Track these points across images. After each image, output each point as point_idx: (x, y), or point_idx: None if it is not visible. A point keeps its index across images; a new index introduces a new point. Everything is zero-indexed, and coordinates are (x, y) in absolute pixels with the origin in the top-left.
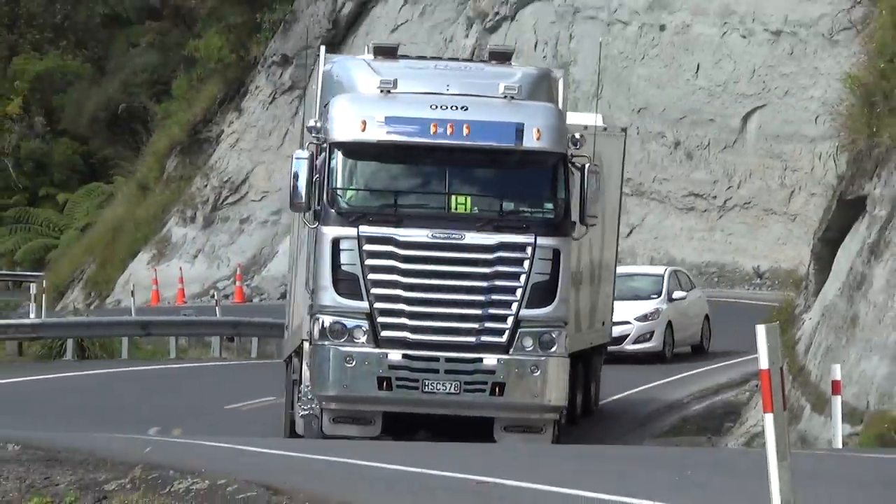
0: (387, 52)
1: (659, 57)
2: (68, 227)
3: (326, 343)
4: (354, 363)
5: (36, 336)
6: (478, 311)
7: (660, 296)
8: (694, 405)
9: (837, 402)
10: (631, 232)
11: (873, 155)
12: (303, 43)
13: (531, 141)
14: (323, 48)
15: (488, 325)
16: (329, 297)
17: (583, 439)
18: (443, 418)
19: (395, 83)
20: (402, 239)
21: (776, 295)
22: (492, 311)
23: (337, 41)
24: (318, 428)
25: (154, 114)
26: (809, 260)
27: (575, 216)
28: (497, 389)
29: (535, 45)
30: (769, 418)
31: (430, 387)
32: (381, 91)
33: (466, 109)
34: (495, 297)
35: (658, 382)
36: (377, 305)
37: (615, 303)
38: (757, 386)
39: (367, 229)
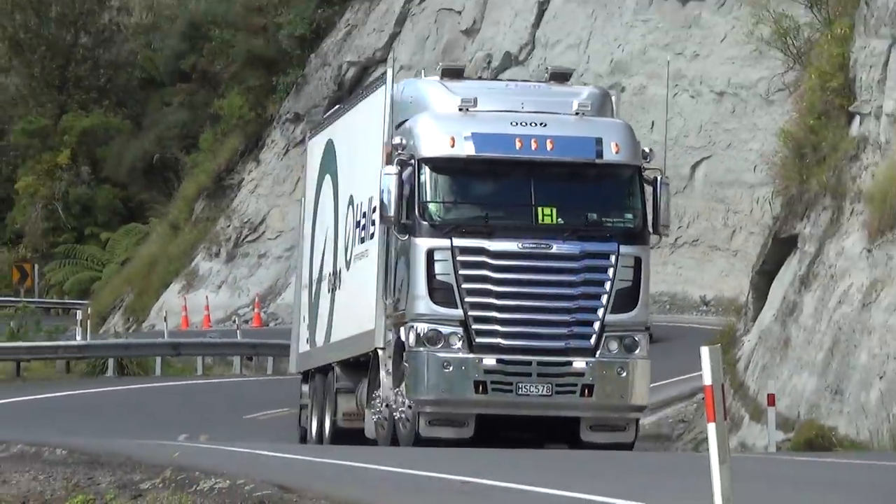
0: (454, 73)
1: (618, 114)
2: (110, 261)
3: (422, 350)
4: (452, 368)
5: (81, 356)
6: (566, 317)
7: None
8: (649, 415)
9: (772, 412)
10: None
11: (803, 199)
12: (313, 102)
13: (610, 154)
14: (390, 70)
15: (576, 329)
16: (424, 305)
17: None
18: (531, 419)
19: (475, 101)
20: (493, 249)
21: (720, 320)
22: (579, 316)
23: (342, 99)
24: (411, 431)
25: (184, 163)
26: (748, 290)
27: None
28: (586, 391)
29: None
30: (712, 427)
31: (523, 389)
32: (462, 109)
33: (545, 126)
34: (582, 303)
35: None
36: (471, 313)
37: None
38: (702, 399)
39: (460, 241)
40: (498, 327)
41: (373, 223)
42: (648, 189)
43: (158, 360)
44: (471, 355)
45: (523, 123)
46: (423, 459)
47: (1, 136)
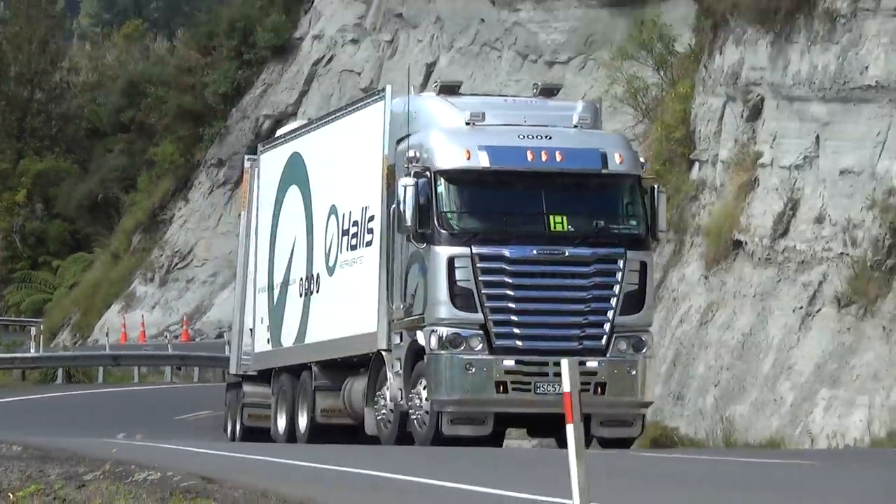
0: (451, 89)
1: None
2: (60, 285)
3: (444, 352)
4: (474, 370)
5: (35, 366)
6: (579, 319)
7: None
8: None
9: None
10: None
11: None
12: (233, 150)
13: (615, 164)
14: (389, 87)
15: (589, 331)
16: (446, 310)
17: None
18: (545, 416)
19: (483, 116)
20: (511, 255)
21: None
22: (591, 318)
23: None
24: (430, 429)
25: (124, 202)
26: None
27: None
28: (599, 389)
29: None
30: (570, 427)
31: (541, 389)
32: (470, 123)
33: (551, 138)
34: (594, 305)
35: None
36: (491, 317)
37: None
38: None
39: (479, 248)
40: (516, 330)
41: (368, 231)
42: (648, 197)
43: (101, 369)
44: (491, 357)
45: (530, 136)
46: (338, 457)
47: None
